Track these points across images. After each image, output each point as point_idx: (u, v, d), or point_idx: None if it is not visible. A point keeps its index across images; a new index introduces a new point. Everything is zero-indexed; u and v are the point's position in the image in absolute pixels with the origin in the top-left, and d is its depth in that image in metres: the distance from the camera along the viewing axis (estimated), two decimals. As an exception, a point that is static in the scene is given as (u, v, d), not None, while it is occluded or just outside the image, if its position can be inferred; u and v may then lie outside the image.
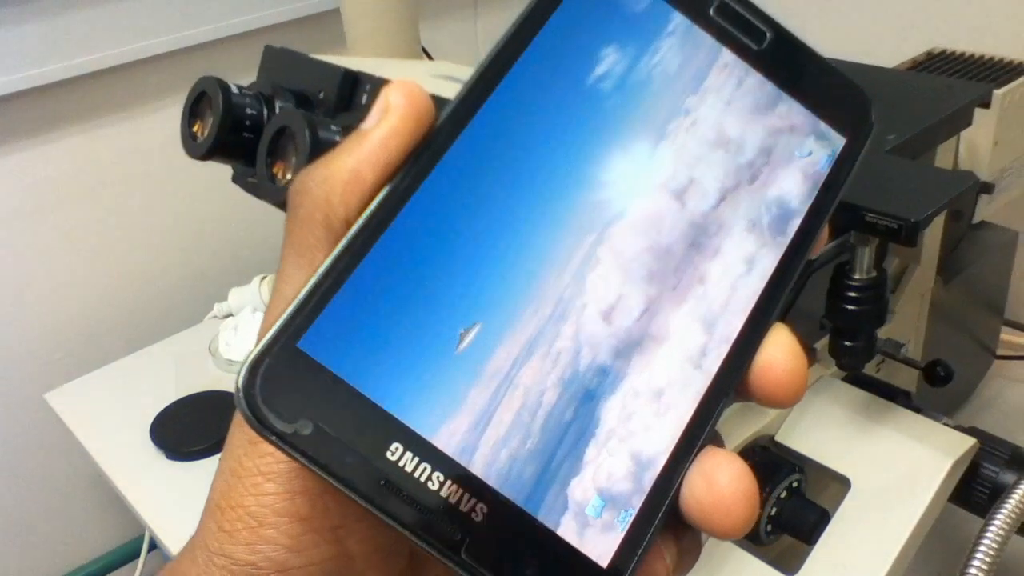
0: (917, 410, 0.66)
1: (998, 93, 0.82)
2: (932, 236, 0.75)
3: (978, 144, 0.83)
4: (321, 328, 0.19)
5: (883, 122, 0.61)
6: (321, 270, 0.20)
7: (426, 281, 0.20)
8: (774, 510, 0.59)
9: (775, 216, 0.23)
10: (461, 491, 0.19)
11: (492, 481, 0.20)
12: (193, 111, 0.49)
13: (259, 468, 0.21)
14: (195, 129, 0.49)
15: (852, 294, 0.52)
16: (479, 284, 0.21)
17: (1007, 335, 1.00)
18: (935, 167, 0.64)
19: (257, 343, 0.19)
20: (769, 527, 0.59)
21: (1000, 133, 0.83)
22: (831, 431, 0.62)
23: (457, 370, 0.20)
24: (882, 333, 0.71)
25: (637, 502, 0.20)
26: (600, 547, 0.20)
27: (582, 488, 0.20)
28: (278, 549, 0.21)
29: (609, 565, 0.20)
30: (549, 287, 0.21)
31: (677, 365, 0.21)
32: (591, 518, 0.20)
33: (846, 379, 0.65)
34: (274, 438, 0.19)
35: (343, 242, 0.20)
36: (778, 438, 0.63)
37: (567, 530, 0.20)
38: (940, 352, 0.83)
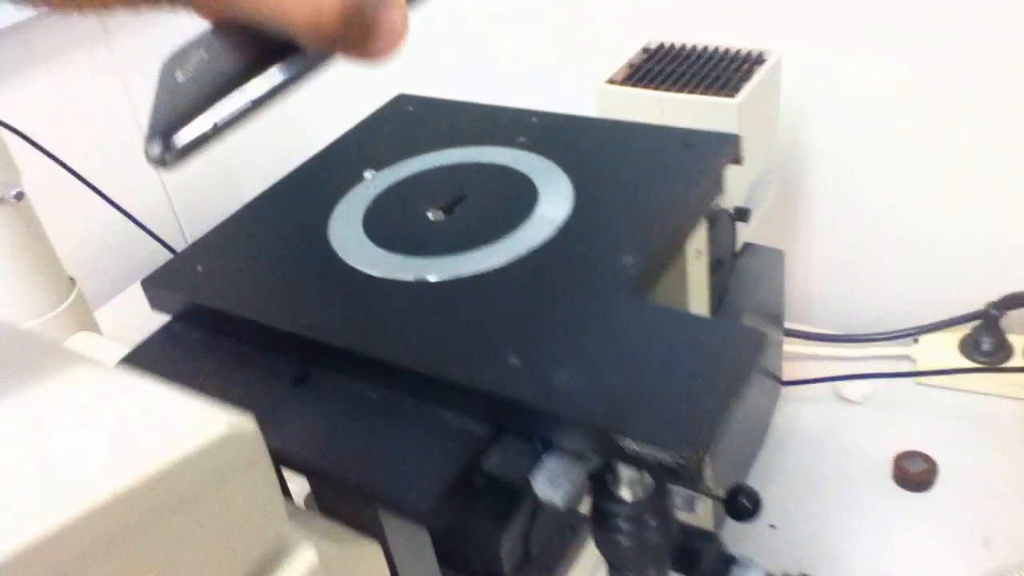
0: (732, 560, 0.51)
1: (734, 103, 0.69)
2: (698, 301, 0.60)
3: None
4: None
5: (613, 238, 0.44)
6: None
7: None
8: None
9: None
10: None
11: None
12: None
13: None
14: None
15: (625, 525, 0.34)
16: None
17: (788, 346, 0.89)
18: (706, 320, 0.47)
19: None
20: None
21: (744, 147, 0.70)
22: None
23: None
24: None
25: None
26: None
27: None
28: None
29: None
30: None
31: None
32: None
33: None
34: None
35: None
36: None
37: None
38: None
